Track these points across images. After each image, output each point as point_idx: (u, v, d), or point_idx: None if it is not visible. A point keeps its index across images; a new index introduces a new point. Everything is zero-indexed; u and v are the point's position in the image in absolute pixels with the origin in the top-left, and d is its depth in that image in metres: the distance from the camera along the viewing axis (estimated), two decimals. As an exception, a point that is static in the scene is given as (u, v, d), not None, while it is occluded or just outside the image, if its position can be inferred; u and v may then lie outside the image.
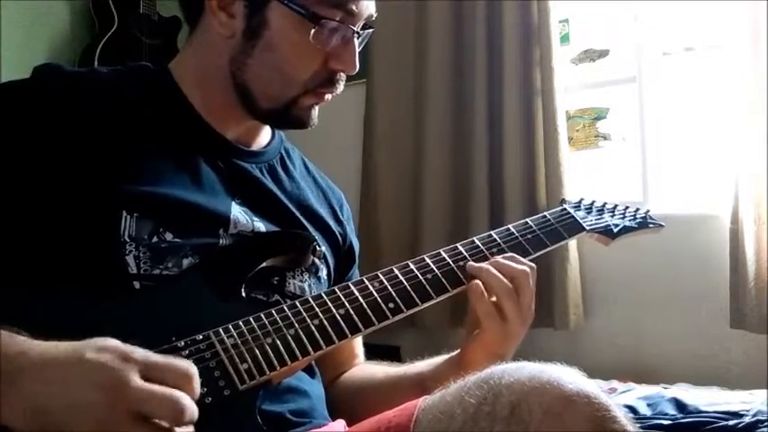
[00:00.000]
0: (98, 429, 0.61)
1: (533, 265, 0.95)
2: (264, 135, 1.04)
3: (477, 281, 0.92)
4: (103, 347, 0.64)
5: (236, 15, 0.93)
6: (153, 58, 2.80)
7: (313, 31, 0.90)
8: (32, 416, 0.62)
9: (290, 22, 0.90)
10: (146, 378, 0.63)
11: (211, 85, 0.96)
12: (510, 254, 0.96)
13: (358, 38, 0.94)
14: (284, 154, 1.06)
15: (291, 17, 0.90)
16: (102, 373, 0.62)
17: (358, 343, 1.13)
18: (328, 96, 0.97)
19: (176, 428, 0.63)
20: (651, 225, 1.16)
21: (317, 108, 0.98)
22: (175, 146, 0.93)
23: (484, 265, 0.93)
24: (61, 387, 0.62)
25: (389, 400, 0.89)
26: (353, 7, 0.92)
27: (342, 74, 0.95)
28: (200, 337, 0.76)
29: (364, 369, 1.12)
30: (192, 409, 0.63)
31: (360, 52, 0.95)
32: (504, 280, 0.91)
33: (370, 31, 0.98)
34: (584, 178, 2.43)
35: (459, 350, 0.99)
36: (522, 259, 0.95)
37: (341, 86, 0.97)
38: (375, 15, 0.97)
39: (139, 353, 0.65)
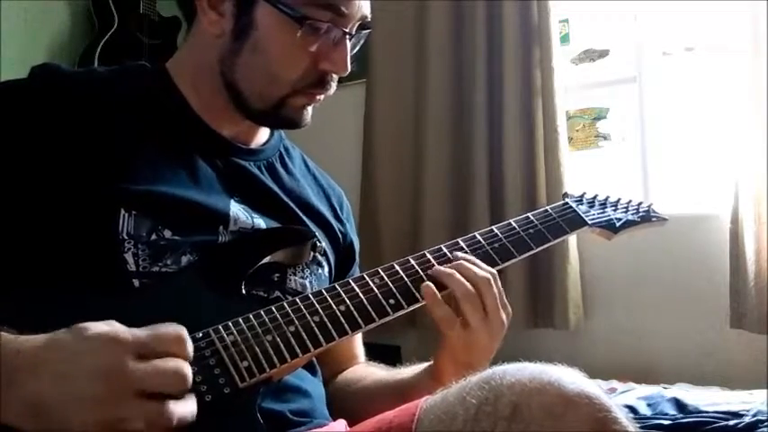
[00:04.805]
0: (105, 417, 0.61)
1: (494, 271, 0.91)
2: (263, 133, 1.04)
3: (428, 282, 0.88)
4: (89, 336, 0.64)
5: (226, 14, 0.92)
6: (153, 58, 2.79)
7: (300, 32, 0.88)
8: (33, 414, 0.62)
9: (277, 22, 0.89)
10: (140, 355, 0.64)
11: (206, 85, 0.96)
12: (472, 258, 0.92)
13: (350, 39, 0.93)
14: (283, 152, 1.06)
15: (279, 18, 0.89)
16: (96, 363, 0.62)
17: (358, 342, 1.13)
18: (320, 97, 0.95)
19: (179, 405, 0.64)
20: (654, 219, 1.14)
21: (309, 108, 0.96)
22: (173, 144, 0.93)
23: (448, 269, 0.89)
24: (59, 383, 0.62)
25: (376, 406, 0.89)
26: (343, 8, 0.90)
27: (333, 74, 0.94)
28: (200, 334, 0.75)
29: (358, 371, 1.11)
30: (190, 375, 0.66)
31: (359, 52, 0.94)
32: (467, 283, 0.88)
33: (367, 32, 0.96)
34: (584, 178, 2.42)
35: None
36: (485, 266, 0.91)
37: (332, 87, 0.95)
38: (370, 16, 0.95)
39: (125, 334, 0.64)
